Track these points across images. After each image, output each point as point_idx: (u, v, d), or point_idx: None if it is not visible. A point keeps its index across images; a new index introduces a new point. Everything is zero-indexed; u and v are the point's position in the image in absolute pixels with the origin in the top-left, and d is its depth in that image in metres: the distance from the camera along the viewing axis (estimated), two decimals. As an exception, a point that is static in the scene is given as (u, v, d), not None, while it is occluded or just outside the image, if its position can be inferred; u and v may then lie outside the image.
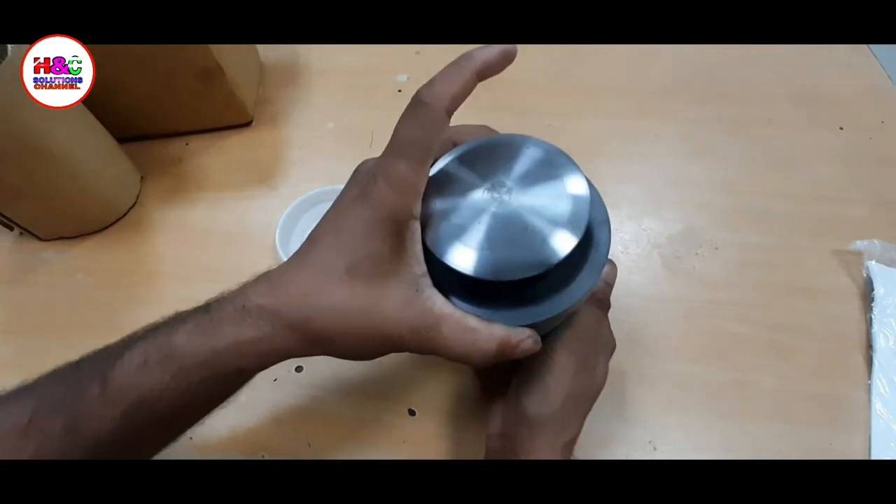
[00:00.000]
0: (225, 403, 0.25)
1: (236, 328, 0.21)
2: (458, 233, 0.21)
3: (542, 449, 0.24)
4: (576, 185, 0.21)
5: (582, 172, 0.22)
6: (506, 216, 0.21)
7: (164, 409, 0.21)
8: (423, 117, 0.21)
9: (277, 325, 0.21)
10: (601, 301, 0.28)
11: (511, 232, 0.21)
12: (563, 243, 0.20)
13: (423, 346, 0.21)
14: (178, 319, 0.23)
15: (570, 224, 0.21)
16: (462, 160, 0.23)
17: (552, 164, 0.22)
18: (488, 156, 0.23)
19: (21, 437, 0.21)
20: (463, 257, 0.21)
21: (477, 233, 0.21)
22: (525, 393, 0.25)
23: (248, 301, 0.22)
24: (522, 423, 0.25)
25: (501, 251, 0.21)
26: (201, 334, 0.21)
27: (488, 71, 0.21)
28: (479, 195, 0.22)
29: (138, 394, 0.21)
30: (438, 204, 0.22)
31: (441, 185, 0.23)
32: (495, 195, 0.22)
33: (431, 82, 0.21)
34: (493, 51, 0.21)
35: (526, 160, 0.22)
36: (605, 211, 0.24)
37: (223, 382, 0.23)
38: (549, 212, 0.21)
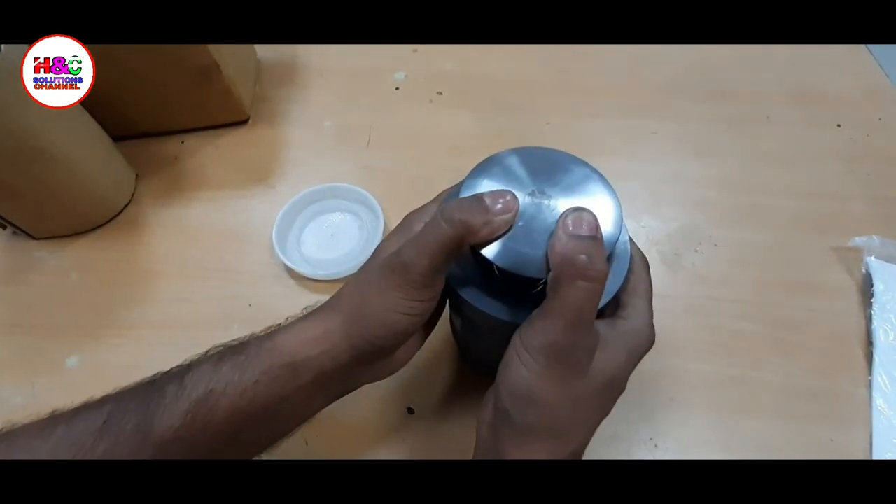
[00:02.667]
0: (279, 441, 0.26)
1: (300, 321, 0.25)
2: None
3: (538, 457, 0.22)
4: (610, 215, 0.23)
5: (619, 201, 0.23)
6: (539, 221, 0.22)
7: (224, 410, 0.23)
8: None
9: (332, 315, 0.24)
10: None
11: (539, 235, 0.22)
12: None
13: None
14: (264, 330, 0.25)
15: None
16: (520, 157, 0.24)
17: (594, 189, 0.23)
18: (541, 164, 0.24)
19: (95, 438, 0.21)
20: (490, 246, 0.22)
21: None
22: (507, 392, 0.21)
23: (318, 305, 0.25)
24: (507, 425, 0.22)
25: (524, 248, 0.21)
26: (270, 334, 0.24)
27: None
28: (521, 196, 0.23)
29: (207, 387, 0.22)
30: (482, 190, 0.23)
31: (491, 172, 0.24)
32: (535, 200, 0.23)
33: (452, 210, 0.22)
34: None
35: (573, 178, 0.24)
36: (629, 241, 0.25)
37: (276, 381, 0.23)
38: None
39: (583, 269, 0.19)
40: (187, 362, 0.24)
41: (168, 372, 0.24)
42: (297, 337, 0.24)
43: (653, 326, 0.24)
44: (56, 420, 0.22)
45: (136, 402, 0.23)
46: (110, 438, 0.22)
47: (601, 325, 0.23)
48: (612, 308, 0.24)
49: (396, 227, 0.26)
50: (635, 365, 0.23)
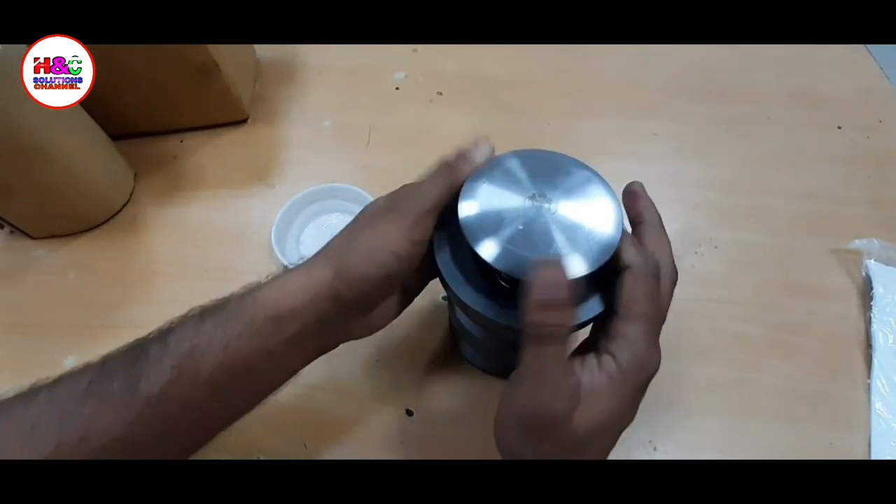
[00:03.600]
0: (263, 399, 0.26)
1: (284, 273, 0.24)
2: (493, 228, 0.22)
3: None
4: (610, 219, 0.22)
5: (621, 208, 0.23)
6: (540, 224, 0.22)
7: (209, 365, 0.22)
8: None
9: (319, 263, 0.24)
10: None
11: (539, 238, 0.22)
12: (577, 267, 0.21)
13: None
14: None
15: (589, 254, 0.21)
16: (520, 159, 0.24)
17: (594, 192, 0.23)
18: (542, 166, 0.24)
19: (81, 400, 0.21)
20: (490, 249, 0.22)
21: (509, 231, 0.22)
22: (499, 448, 0.23)
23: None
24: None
25: (524, 251, 0.22)
26: (252, 289, 0.24)
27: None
28: (522, 199, 0.23)
29: (191, 343, 0.22)
30: (483, 195, 0.23)
31: (492, 174, 0.24)
32: (536, 203, 0.23)
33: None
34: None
35: (573, 181, 0.24)
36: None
37: (259, 334, 0.23)
38: (578, 234, 0.22)
39: (548, 334, 0.20)
40: (167, 325, 0.24)
41: (148, 335, 0.24)
42: (281, 289, 0.24)
43: (655, 348, 0.22)
44: (38, 389, 0.22)
45: (119, 363, 0.23)
46: (96, 400, 0.21)
47: (588, 371, 0.21)
48: (603, 331, 0.22)
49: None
50: (639, 394, 0.22)
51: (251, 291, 0.24)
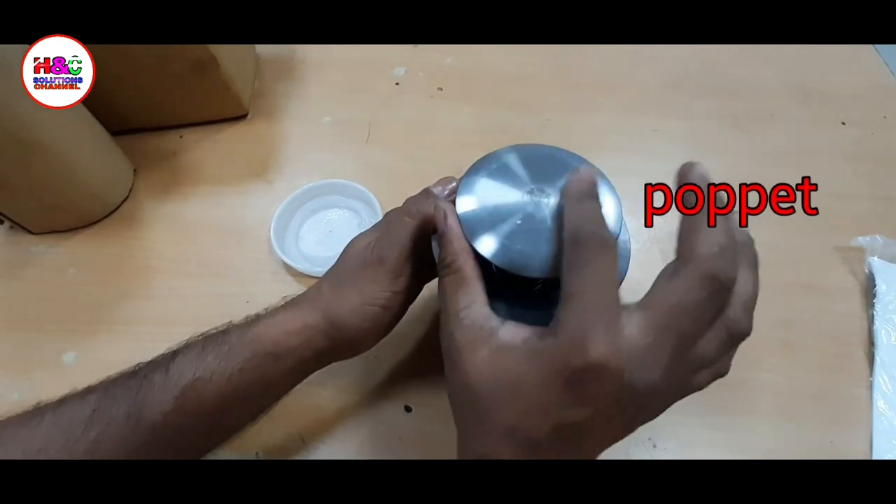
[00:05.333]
0: (260, 416, 0.28)
1: (281, 312, 0.26)
2: (490, 224, 0.22)
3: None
4: (610, 215, 0.22)
5: (621, 204, 0.23)
6: (538, 220, 0.22)
7: (211, 395, 0.24)
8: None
9: (313, 310, 0.26)
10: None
11: (538, 234, 0.22)
12: None
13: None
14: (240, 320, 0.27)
15: None
16: (518, 154, 0.24)
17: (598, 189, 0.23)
18: (540, 161, 0.24)
19: (86, 426, 0.22)
20: (488, 245, 0.22)
21: (507, 227, 0.22)
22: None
23: (297, 296, 0.27)
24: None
25: (523, 247, 0.21)
26: (250, 323, 0.26)
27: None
28: (520, 195, 0.23)
29: (194, 374, 0.24)
30: (481, 189, 0.23)
31: (490, 169, 0.24)
32: (535, 198, 0.23)
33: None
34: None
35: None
36: (629, 240, 0.24)
37: (259, 368, 0.25)
38: None
39: (442, 266, 0.22)
40: (170, 352, 0.25)
41: (151, 361, 0.25)
42: (278, 328, 0.25)
43: (596, 332, 0.17)
44: (42, 410, 0.23)
45: (123, 390, 0.24)
46: (101, 425, 0.22)
47: (520, 332, 0.20)
48: None
49: (373, 227, 0.28)
50: (568, 384, 0.18)
51: (251, 325, 0.26)
